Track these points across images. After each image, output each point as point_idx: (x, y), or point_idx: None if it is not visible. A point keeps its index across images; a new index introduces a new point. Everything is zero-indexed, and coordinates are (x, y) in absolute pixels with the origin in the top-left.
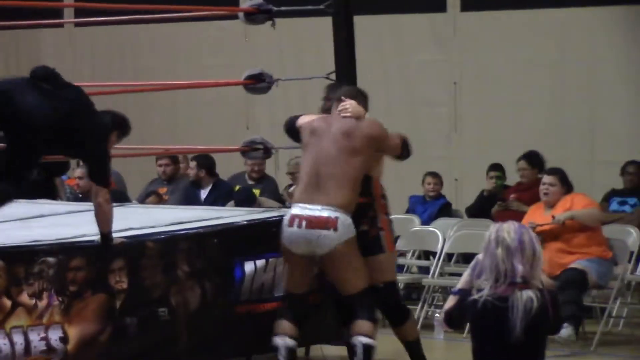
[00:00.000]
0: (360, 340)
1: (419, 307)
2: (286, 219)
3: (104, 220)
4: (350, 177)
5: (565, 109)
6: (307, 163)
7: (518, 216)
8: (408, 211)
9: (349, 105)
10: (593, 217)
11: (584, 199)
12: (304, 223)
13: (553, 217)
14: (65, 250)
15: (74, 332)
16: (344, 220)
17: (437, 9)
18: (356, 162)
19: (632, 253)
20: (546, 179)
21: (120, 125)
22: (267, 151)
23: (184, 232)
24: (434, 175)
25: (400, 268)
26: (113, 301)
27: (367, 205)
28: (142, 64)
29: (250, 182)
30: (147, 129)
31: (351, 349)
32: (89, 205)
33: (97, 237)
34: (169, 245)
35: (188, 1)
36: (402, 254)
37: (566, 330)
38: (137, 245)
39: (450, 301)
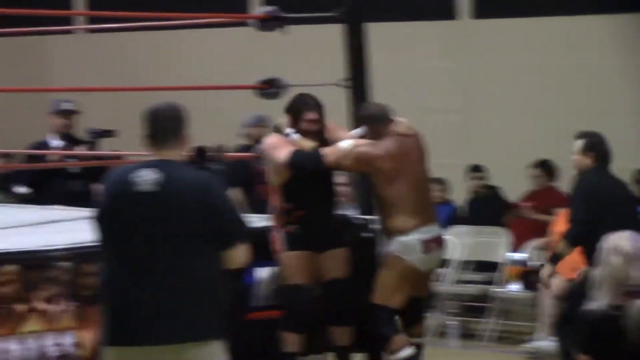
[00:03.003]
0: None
1: (433, 315)
2: (419, 246)
3: None
4: None
5: (577, 116)
6: (406, 188)
7: (531, 224)
8: None
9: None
10: None
11: None
12: (435, 245)
13: None
14: (80, 255)
15: (87, 338)
16: None
17: (448, 17)
18: None
19: None
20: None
21: None
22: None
23: None
24: (439, 181)
25: None
26: None
27: None
28: (154, 71)
29: None
30: None
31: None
32: None
33: None
34: None
35: (199, 8)
36: None
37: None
38: None
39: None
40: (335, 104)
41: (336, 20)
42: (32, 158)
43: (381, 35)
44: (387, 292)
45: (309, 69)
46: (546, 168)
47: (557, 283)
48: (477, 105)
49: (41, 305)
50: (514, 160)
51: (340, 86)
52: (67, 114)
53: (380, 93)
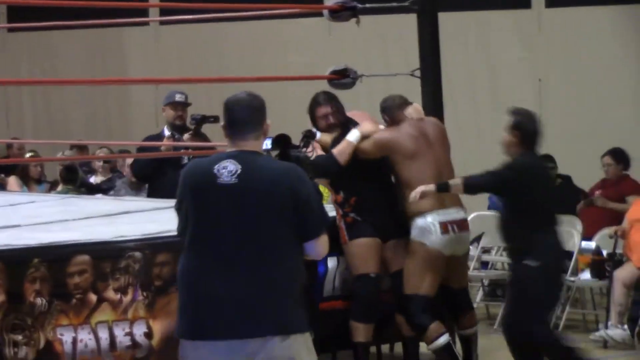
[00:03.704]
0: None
1: (503, 304)
2: (436, 227)
3: None
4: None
5: None
6: (428, 169)
7: (603, 213)
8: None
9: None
10: None
11: None
12: (455, 227)
13: None
14: (152, 245)
15: (158, 328)
16: None
17: (522, 6)
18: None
19: None
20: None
21: None
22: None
23: None
24: None
25: (485, 265)
26: None
27: None
28: (227, 62)
29: None
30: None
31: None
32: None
33: None
34: None
35: None
36: (487, 250)
37: (620, 333)
38: None
39: None
40: (410, 94)
41: (410, 9)
42: (146, 150)
43: (455, 25)
44: (415, 280)
45: (384, 59)
46: (619, 157)
47: (628, 271)
48: (551, 95)
49: (112, 295)
50: (587, 149)
51: (413, 76)
52: (179, 105)
53: (453, 83)
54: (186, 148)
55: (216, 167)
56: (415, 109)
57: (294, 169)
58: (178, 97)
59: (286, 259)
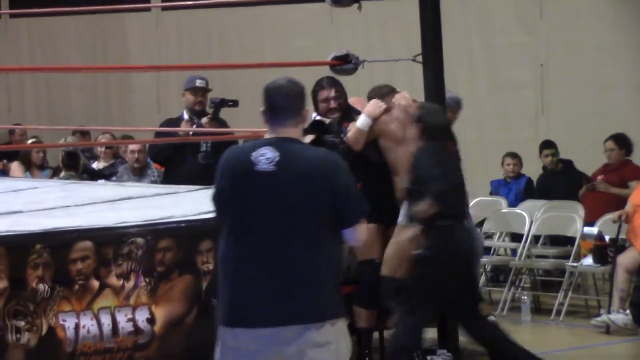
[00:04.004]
0: None
1: (505, 289)
2: None
3: None
4: None
5: None
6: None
7: (605, 198)
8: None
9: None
10: None
11: None
12: None
13: None
14: (154, 231)
15: (160, 314)
16: None
17: None
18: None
19: None
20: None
21: None
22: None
23: None
24: (513, 155)
25: (487, 250)
26: (199, 282)
27: None
28: (228, 48)
29: None
30: (233, 109)
31: None
32: (175, 188)
33: None
34: None
35: None
36: (489, 236)
37: (622, 318)
38: None
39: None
40: (412, 80)
41: None
42: (163, 135)
43: (456, 10)
44: (394, 263)
45: (386, 45)
46: (621, 142)
47: (630, 257)
48: (553, 79)
49: (115, 281)
50: (589, 134)
51: (415, 61)
52: (199, 90)
53: (454, 68)
54: (205, 134)
55: (254, 154)
56: (402, 97)
57: (332, 156)
58: (198, 83)
59: (324, 246)
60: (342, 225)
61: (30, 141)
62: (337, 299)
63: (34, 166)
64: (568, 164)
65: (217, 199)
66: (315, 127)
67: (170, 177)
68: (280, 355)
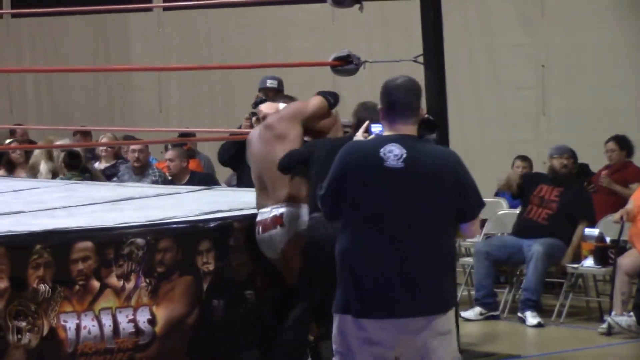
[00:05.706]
0: None
1: (506, 290)
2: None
3: None
4: None
5: None
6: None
7: (606, 199)
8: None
9: (262, 108)
10: None
11: None
12: (260, 228)
13: None
14: (155, 232)
15: (161, 314)
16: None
17: None
18: (286, 147)
19: None
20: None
21: None
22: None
23: None
24: (524, 159)
25: None
26: (200, 283)
27: None
28: (230, 48)
29: None
30: (235, 109)
31: None
32: (177, 188)
33: None
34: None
35: None
36: (490, 237)
37: (626, 319)
38: (225, 227)
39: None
40: None
41: None
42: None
43: (457, 10)
44: None
45: (387, 45)
46: (622, 143)
47: (630, 259)
48: (554, 80)
49: (115, 282)
50: (590, 135)
51: (417, 62)
52: (270, 91)
53: (455, 69)
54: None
55: (382, 150)
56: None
57: (454, 154)
58: (269, 83)
59: (447, 240)
60: (464, 218)
61: (7, 141)
62: (454, 287)
63: (18, 166)
64: (583, 167)
65: (335, 193)
66: (429, 126)
67: (239, 179)
68: (407, 345)
